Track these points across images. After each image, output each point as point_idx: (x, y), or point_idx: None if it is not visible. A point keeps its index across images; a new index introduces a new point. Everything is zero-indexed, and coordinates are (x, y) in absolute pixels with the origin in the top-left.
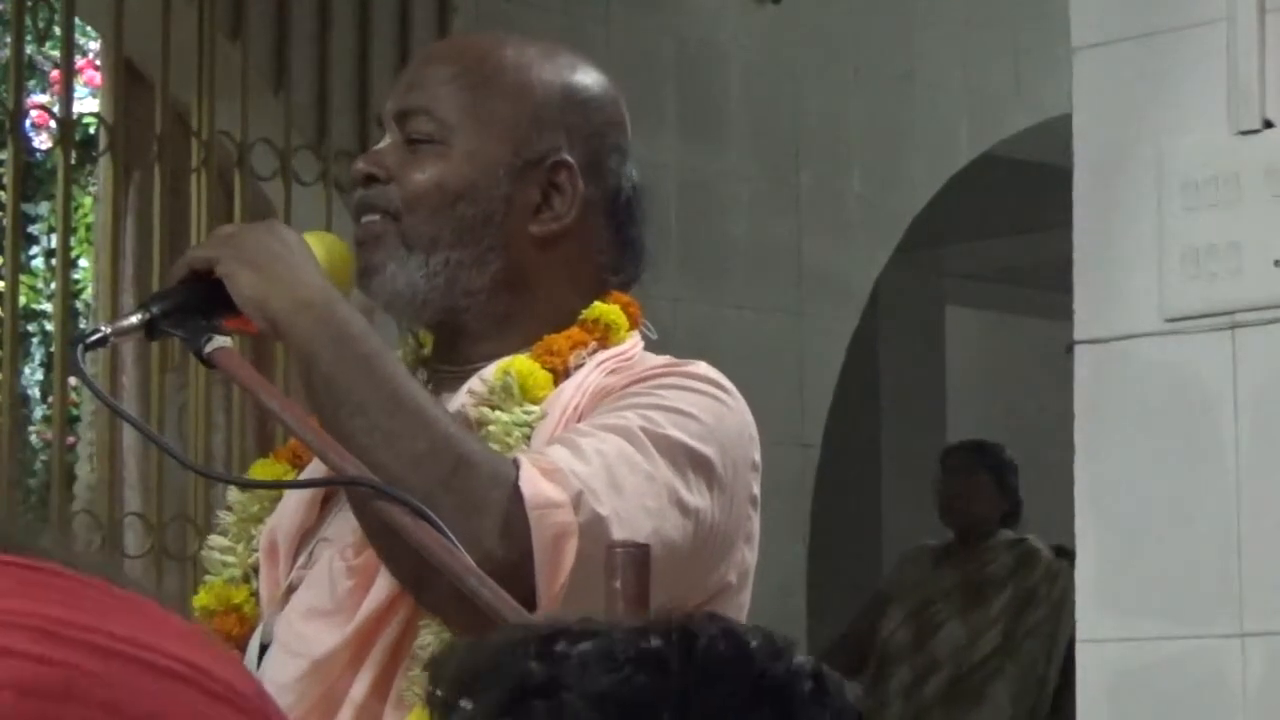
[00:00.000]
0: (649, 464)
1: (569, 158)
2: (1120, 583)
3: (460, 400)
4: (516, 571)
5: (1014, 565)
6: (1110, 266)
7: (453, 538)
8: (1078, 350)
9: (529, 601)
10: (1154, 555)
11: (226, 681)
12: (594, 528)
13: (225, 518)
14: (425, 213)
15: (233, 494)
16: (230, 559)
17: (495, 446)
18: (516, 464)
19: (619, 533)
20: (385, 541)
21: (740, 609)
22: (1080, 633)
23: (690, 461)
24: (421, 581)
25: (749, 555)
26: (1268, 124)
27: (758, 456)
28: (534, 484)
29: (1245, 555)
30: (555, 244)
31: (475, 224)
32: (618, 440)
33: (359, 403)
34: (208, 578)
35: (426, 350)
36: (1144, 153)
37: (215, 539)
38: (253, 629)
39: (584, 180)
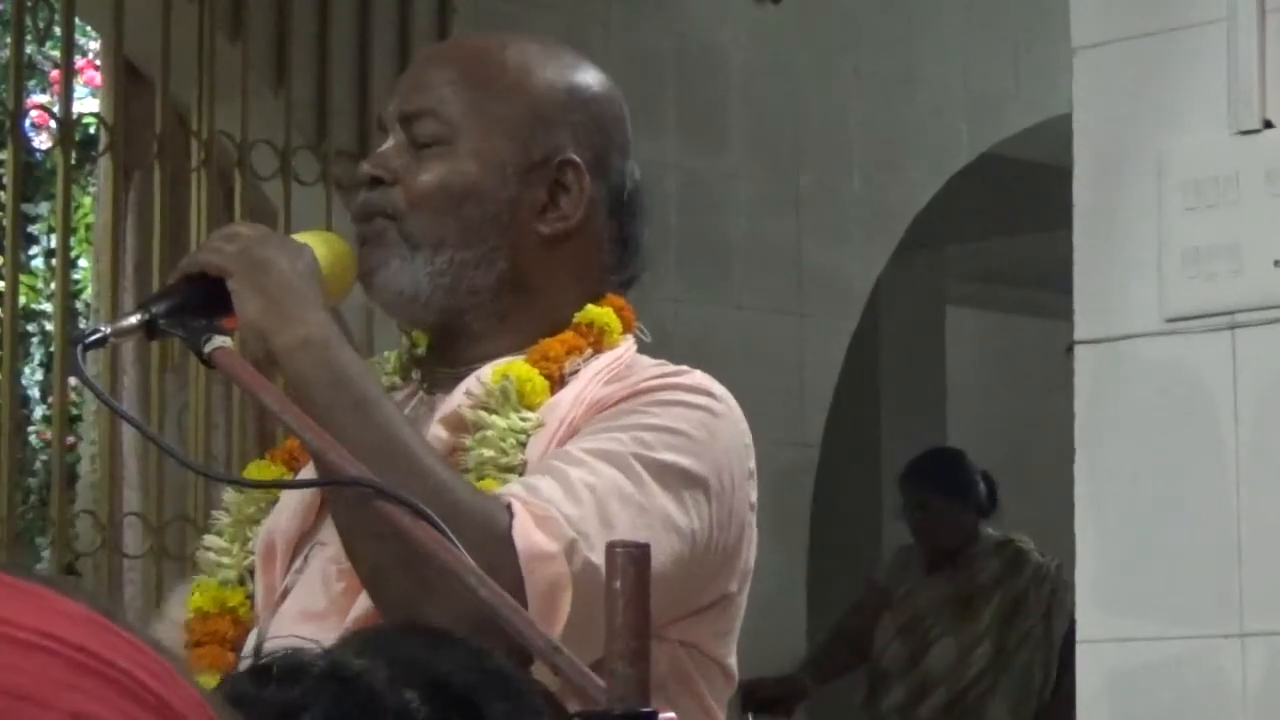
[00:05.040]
0: (641, 494)
1: (575, 156)
2: (1120, 583)
3: (457, 401)
4: None
5: (1001, 571)
6: (1110, 266)
7: (452, 537)
8: (1078, 350)
9: (525, 653)
10: (1154, 555)
11: (113, 662)
12: (587, 575)
13: (220, 518)
14: (429, 213)
15: (228, 494)
16: (226, 560)
17: (490, 452)
18: (510, 510)
19: None
20: (358, 546)
21: (739, 610)
22: (1079, 633)
23: (685, 482)
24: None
25: (751, 560)
26: (1268, 124)
27: (753, 464)
28: (526, 536)
29: (1245, 555)
30: (561, 244)
31: (481, 224)
32: (610, 471)
33: (352, 448)
34: (201, 578)
35: (421, 350)
36: (1144, 153)
37: (211, 539)
38: (247, 631)
39: (590, 178)
